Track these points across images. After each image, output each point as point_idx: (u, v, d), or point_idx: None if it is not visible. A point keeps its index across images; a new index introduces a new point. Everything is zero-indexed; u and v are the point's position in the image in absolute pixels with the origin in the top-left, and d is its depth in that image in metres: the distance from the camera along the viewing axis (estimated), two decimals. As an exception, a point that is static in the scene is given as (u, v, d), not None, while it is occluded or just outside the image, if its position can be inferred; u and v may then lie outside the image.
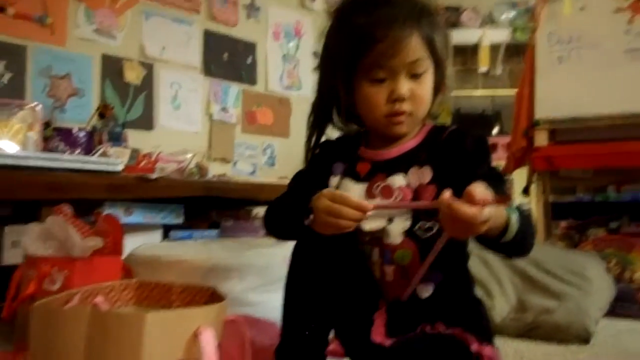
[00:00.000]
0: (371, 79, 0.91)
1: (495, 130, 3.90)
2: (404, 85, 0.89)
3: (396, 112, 0.91)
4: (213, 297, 0.95)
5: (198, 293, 0.97)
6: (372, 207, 0.82)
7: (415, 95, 0.91)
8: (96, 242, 1.17)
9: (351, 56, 0.92)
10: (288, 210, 0.94)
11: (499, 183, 0.89)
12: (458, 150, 0.91)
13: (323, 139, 1.05)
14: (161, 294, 0.97)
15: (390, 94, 0.90)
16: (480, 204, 0.69)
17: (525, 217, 0.81)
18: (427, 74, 0.92)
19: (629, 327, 1.61)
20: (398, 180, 0.92)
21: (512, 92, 2.67)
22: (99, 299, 0.86)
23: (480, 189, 0.71)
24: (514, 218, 0.78)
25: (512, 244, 0.79)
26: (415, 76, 0.90)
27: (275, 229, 1.00)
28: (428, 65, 0.91)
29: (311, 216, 0.85)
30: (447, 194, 0.72)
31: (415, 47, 0.89)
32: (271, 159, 3.25)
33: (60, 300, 0.83)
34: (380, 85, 0.91)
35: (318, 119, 1.02)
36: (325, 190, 0.84)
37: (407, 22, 0.88)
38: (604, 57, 2.02)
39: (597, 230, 2.08)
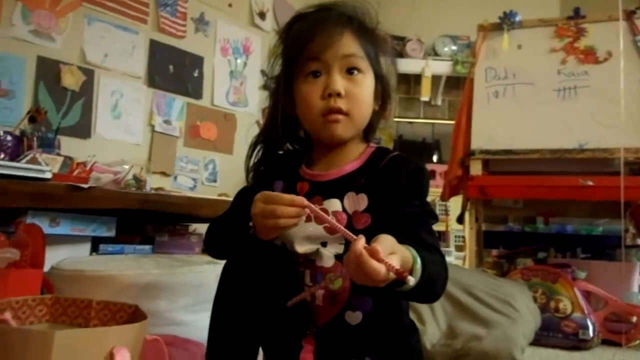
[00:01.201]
0: (306, 75, 0.92)
1: (434, 158, 4.03)
2: (338, 80, 0.90)
3: (331, 108, 0.90)
4: (135, 315, 0.90)
5: (119, 311, 0.92)
6: (306, 204, 0.79)
7: (350, 93, 0.91)
8: (11, 254, 1.09)
9: (288, 58, 0.95)
10: (229, 227, 0.91)
11: (427, 221, 0.90)
12: (393, 181, 0.90)
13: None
14: (78, 311, 0.91)
15: (325, 89, 0.90)
16: (386, 266, 0.67)
17: (432, 266, 0.78)
18: (364, 76, 0.93)
19: (553, 356, 1.66)
20: (334, 205, 0.91)
21: (451, 122, 2.76)
22: (7, 315, 0.79)
23: (385, 245, 0.69)
24: (417, 273, 0.74)
25: (411, 293, 0.75)
26: (350, 73, 0.91)
27: (217, 247, 0.97)
28: (365, 66, 0.93)
29: (251, 223, 0.82)
30: (360, 242, 0.69)
31: (347, 42, 0.91)
32: (213, 174, 3.19)
33: (-37, 315, 0.76)
34: (315, 81, 0.91)
35: (266, 137, 1.02)
36: (258, 194, 0.82)
37: (341, 22, 0.91)
38: (537, 94, 2.12)
39: (525, 260, 2.15)
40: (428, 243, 0.83)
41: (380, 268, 0.66)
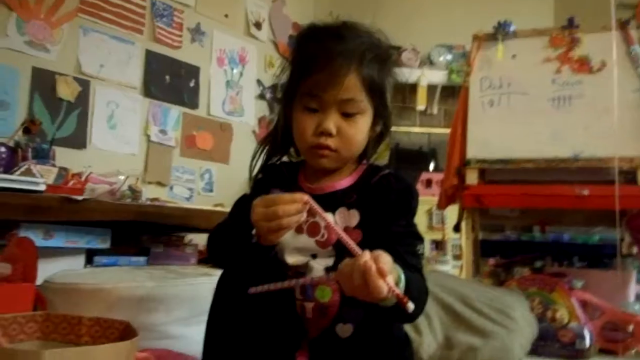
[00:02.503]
0: (304, 107, 0.91)
1: (431, 167, 4.03)
2: (332, 121, 0.89)
3: (320, 145, 0.90)
4: (126, 331, 0.89)
5: (110, 327, 0.91)
6: (307, 199, 0.78)
7: (343, 134, 0.90)
8: (3, 268, 1.09)
9: (292, 80, 0.94)
10: (231, 237, 0.91)
11: (412, 242, 0.90)
12: (383, 200, 0.91)
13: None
14: (69, 328, 0.90)
15: (317, 125, 0.90)
16: (389, 287, 0.67)
17: (414, 289, 0.78)
18: (362, 116, 0.91)
19: (550, 366, 1.66)
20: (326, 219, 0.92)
21: (447, 131, 2.76)
22: (-4, 333, 0.79)
23: (389, 266, 0.69)
24: (401, 286, 0.74)
25: (390, 311, 0.75)
26: (347, 115, 0.90)
27: (220, 257, 0.96)
28: (364, 107, 0.90)
29: (253, 232, 0.82)
30: (367, 256, 0.69)
31: (350, 86, 0.88)
32: (209, 184, 3.19)
33: (-49, 333, 0.75)
34: (311, 115, 0.90)
35: (270, 144, 1.02)
36: (255, 200, 0.81)
37: (349, 59, 0.88)
38: (531, 104, 2.12)
39: (522, 269, 2.14)
40: (411, 265, 0.83)
41: (384, 287, 0.67)
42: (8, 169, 1.81)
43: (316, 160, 0.93)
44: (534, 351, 1.73)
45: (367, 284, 0.67)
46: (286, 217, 0.78)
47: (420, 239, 0.93)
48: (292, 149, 1.02)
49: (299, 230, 0.92)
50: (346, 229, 0.90)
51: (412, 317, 0.85)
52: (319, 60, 0.88)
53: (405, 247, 0.87)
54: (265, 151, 1.02)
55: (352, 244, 0.75)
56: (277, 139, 1.01)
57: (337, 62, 0.87)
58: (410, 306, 0.68)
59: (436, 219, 3.52)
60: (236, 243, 0.87)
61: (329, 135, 0.89)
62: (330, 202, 0.92)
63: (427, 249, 3.53)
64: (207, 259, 2.06)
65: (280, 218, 0.78)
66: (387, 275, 0.67)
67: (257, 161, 1.02)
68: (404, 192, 0.92)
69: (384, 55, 0.93)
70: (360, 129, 0.92)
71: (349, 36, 0.90)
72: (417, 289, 0.79)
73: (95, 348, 0.77)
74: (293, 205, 0.78)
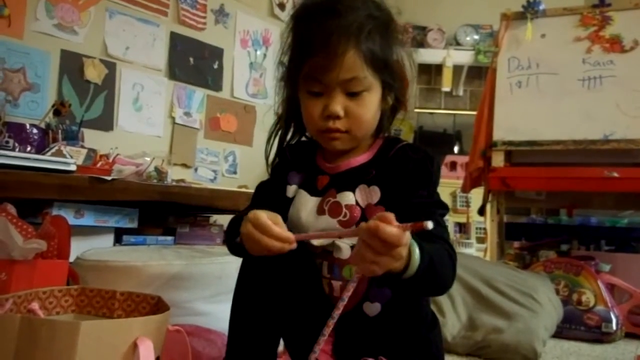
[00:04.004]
0: (308, 91, 0.89)
1: (455, 149, 3.99)
2: (337, 103, 0.86)
3: (329, 129, 0.88)
4: (158, 306, 0.92)
5: (142, 302, 0.94)
6: (294, 239, 0.77)
7: (351, 114, 0.87)
8: (39, 245, 1.12)
9: (293, 64, 0.91)
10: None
11: (435, 212, 0.87)
12: (402, 171, 0.88)
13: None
14: (103, 302, 0.93)
15: (324, 109, 0.87)
16: (401, 227, 0.65)
17: (435, 252, 0.75)
18: (369, 93, 0.87)
19: (575, 349, 1.65)
20: (347, 198, 0.90)
21: (472, 113, 2.73)
22: (34, 305, 0.82)
23: (388, 215, 0.67)
24: (416, 253, 0.71)
25: (416, 280, 0.72)
26: (353, 94, 0.87)
27: (230, 245, 0.96)
28: (369, 84, 0.87)
29: (237, 239, 0.82)
30: (363, 224, 0.68)
31: (351, 64, 0.84)
32: (233, 166, 3.21)
33: (-8, 305, 0.79)
34: (317, 98, 0.88)
35: (282, 129, 1.00)
36: (250, 214, 0.78)
37: (346, 36, 0.83)
38: (561, 84, 2.08)
39: (547, 252, 2.12)
40: (435, 236, 0.80)
41: (399, 232, 0.65)
42: (40, 150, 1.86)
43: (328, 144, 0.91)
44: (558, 334, 1.73)
45: (383, 241, 0.65)
46: (270, 249, 0.76)
47: (443, 207, 0.90)
48: (304, 135, 1.01)
49: (320, 212, 0.91)
50: (368, 207, 0.89)
51: (439, 286, 0.83)
52: (314, 41, 0.84)
53: (428, 219, 0.85)
54: (278, 135, 1.00)
55: (351, 232, 0.74)
56: (286, 123, 0.99)
57: (333, 41, 0.82)
58: (429, 224, 0.65)
59: (460, 201, 3.50)
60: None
61: (337, 118, 0.87)
62: (349, 179, 0.92)
63: (450, 231, 3.51)
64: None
65: (262, 247, 0.76)
66: (392, 220, 0.65)
67: (271, 146, 1.01)
68: (421, 161, 0.89)
69: (384, 24, 0.89)
70: (369, 106, 0.88)
71: (344, 9, 0.84)
72: (438, 255, 0.77)
73: (130, 320, 0.79)
74: (277, 244, 0.76)
